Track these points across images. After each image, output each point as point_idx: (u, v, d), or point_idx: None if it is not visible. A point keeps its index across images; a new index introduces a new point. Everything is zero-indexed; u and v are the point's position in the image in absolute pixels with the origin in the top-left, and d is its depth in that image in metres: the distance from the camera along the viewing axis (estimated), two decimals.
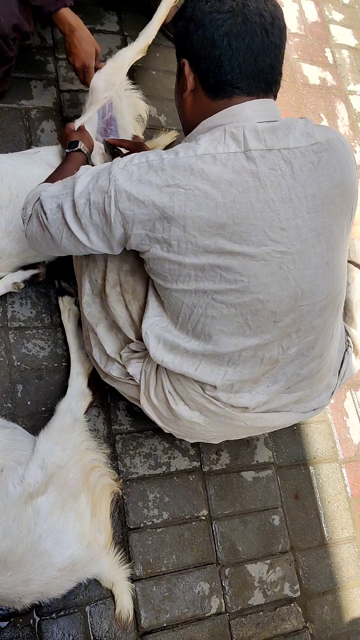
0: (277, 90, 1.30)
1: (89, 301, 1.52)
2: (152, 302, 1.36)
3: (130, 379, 1.50)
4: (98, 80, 1.82)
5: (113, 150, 1.83)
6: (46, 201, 1.31)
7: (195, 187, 1.16)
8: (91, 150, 1.69)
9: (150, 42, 1.93)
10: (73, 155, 1.61)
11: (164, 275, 1.26)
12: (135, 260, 1.38)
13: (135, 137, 1.93)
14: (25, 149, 1.83)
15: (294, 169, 1.19)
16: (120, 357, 1.49)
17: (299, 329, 1.33)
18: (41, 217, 1.32)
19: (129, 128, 1.93)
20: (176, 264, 1.22)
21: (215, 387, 1.37)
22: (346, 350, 1.67)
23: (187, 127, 1.36)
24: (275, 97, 1.30)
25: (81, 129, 1.75)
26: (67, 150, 1.64)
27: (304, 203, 1.22)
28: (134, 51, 1.90)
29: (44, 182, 1.44)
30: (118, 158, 1.24)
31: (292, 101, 2.55)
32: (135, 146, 1.78)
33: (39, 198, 1.33)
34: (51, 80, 2.04)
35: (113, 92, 1.86)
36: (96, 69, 1.85)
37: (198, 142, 1.19)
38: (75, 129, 1.74)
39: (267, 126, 1.21)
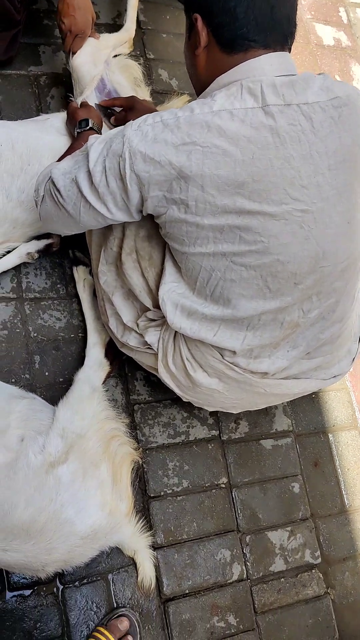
0: (292, 43, 1.25)
1: (104, 270, 1.50)
2: (168, 267, 1.33)
3: (148, 347, 1.48)
4: (81, 57, 1.76)
5: (107, 111, 1.78)
6: (58, 179, 1.28)
7: (212, 145, 1.12)
8: (101, 126, 1.64)
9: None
10: (84, 134, 1.56)
11: (181, 239, 1.23)
12: (151, 226, 1.35)
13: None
14: (35, 117, 1.79)
15: (314, 124, 1.15)
16: (138, 325, 1.47)
17: (320, 292, 1.30)
18: (55, 195, 1.29)
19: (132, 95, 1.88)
20: (194, 226, 1.19)
21: (234, 352, 1.34)
22: None
23: (201, 86, 1.30)
24: (290, 51, 1.25)
25: (85, 105, 1.69)
26: (77, 130, 1.59)
27: (325, 160, 1.18)
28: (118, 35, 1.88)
29: (55, 162, 1.41)
30: (131, 121, 1.21)
31: (306, 62, 2.48)
32: (128, 101, 1.71)
33: (50, 177, 1.30)
34: (60, 45, 1.99)
35: (102, 68, 1.81)
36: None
37: (214, 99, 1.15)
38: (79, 106, 1.69)
39: (285, 80, 1.16)
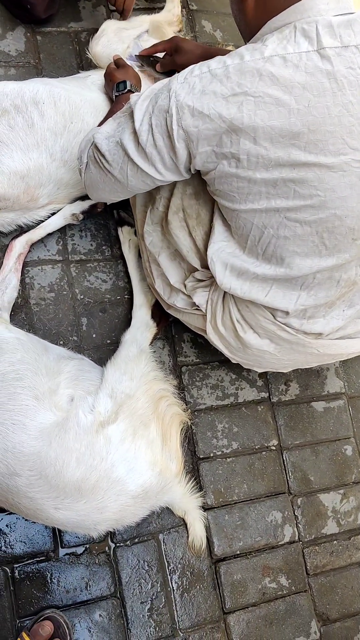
0: None
1: (149, 230, 1.46)
2: (217, 226, 1.28)
3: (196, 308, 1.44)
4: (100, 44, 1.69)
5: (149, 60, 1.71)
6: (102, 143, 1.23)
7: (265, 94, 1.05)
8: (140, 87, 1.59)
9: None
10: (123, 97, 1.49)
11: (231, 196, 1.18)
12: (199, 183, 1.30)
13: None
14: (76, 74, 1.75)
15: None
16: (185, 287, 1.44)
17: None
18: (100, 160, 1.25)
19: None
20: (245, 181, 1.13)
21: (287, 313, 1.30)
22: None
23: (250, 33, 1.21)
24: None
25: (122, 64, 1.62)
26: (115, 94, 1.53)
27: None
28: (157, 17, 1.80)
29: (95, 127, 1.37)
30: (177, 73, 1.15)
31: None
32: (171, 43, 1.63)
33: (93, 142, 1.26)
34: (98, 0, 1.94)
35: (130, 43, 1.73)
36: None
37: (265, 43, 1.07)
38: (116, 66, 1.62)
39: (343, 19, 1.07)
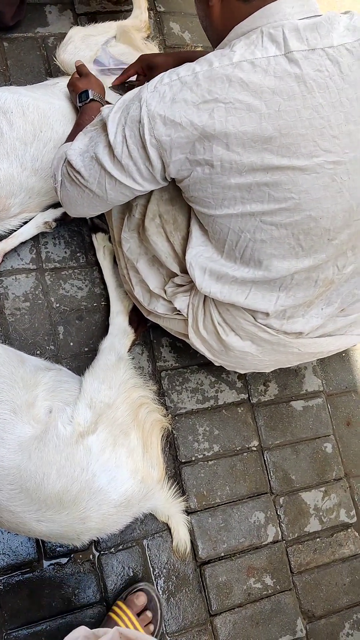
0: None
1: (126, 237, 1.45)
2: (195, 231, 1.29)
3: (177, 313, 1.44)
4: (67, 52, 1.67)
5: (124, 87, 1.70)
6: (76, 160, 1.22)
7: (235, 100, 1.05)
8: (104, 94, 1.57)
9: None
10: (87, 107, 1.48)
11: (206, 202, 1.18)
12: (175, 189, 1.30)
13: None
14: (45, 81, 1.73)
15: (342, 69, 1.07)
16: (165, 292, 1.43)
17: (355, 246, 1.25)
18: (75, 178, 1.25)
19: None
20: (220, 187, 1.13)
21: (267, 314, 1.30)
22: None
23: (217, 38, 1.22)
24: None
25: (85, 73, 1.59)
26: (79, 104, 1.52)
27: (356, 106, 1.10)
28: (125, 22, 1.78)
29: (64, 143, 1.35)
30: (146, 83, 1.15)
31: (326, 7, 2.36)
32: (140, 63, 1.61)
33: (65, 159, 1.25)
34: (66, 4, 1.91)
35: (97, 49, 1.71)
36: None
37: (233, 49, 1.07)
38: (78, 75, 1.60)
39: (309, 22, 1.08)
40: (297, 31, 1.06)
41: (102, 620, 1.50)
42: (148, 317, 1.57)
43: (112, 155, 1.17)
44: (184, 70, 1.10)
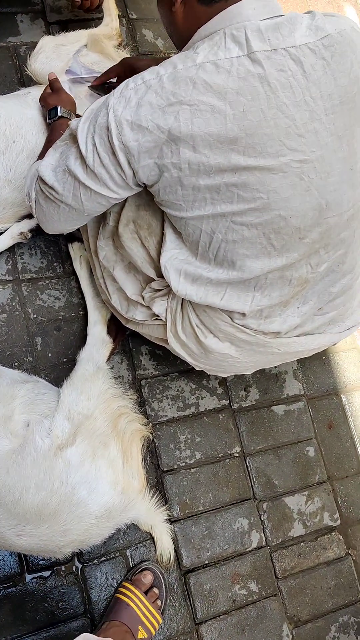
0: None
1: (102, 245, 1.45)
2: (169, 234, 1.29)
3: (156, 319, 1.44)
4: (38, 61, 1.66)
5: (104, 87, 1.69)
6: (48, 175, 1.23)
7: (200, 102, 1.06)
8: (74, 109, 1.56)
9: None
10: (56, 124, 1.48)
11: (177, 205, 1.18)
12: (147, 194, 1.30)
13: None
14: (17, 90, 1.72)
15: (305, 68, 1.08)
16: (143, 298, 1.43)
17: (327, 244, 1.25)
18: (49, 194, 1.25)
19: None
20: (189, 189, 1.14)
21: (243, 314, 1.30)
22: None
23: (182, 42, 1.23)
24: None
25: (56, 88, 1.58)
26: (48, 121, 1.52)
27: (321, 104, 1.11)
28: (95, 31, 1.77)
29: (36, 160, 1.35)
30: (113, 90, 1.15)
31: (296, 7, 2.36)
32: (123, 66, 1.62)
33: (38, 177, 1.25)
34: (37, 12, 1.91)
35: (69, 59, 1.70)
36: None
37: (196, 51, 1.08)
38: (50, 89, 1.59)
39: (271, 23, 1.09)
40: (259, 32, 1.07)
41: (86, 632, 1.49)
42: (127, 326, 1.56)
43: (84, 166, 1.17)
44: (149, 74, 1.11)
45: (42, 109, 1.61)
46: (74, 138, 1.19)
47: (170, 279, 1.29)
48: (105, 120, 1.11)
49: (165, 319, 1.41)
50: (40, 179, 1.25)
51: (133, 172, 1.15)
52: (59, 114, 1.50)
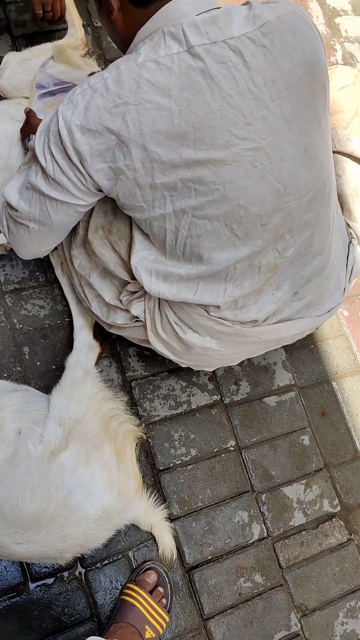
0: None
1: (75, 254, 1.47)
2: (137, 236, 1.30)
3: (136, 320, 1.45)
4: (3, 78, 1.68)
5: None
6: (14, 197, 1.25)
7: (145, 101, 1.08)
8: None
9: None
10: None
11: (139, 206, 1.20)
12: (112, 200, 1.32)
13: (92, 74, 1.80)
14: None
15: (246, 58, 1.10)
16: (121, 302, 1.44)
17: (291, 228, 1.27)
18: (16, 217, 1.27)
19: (83, 73, 1.78)
20: (147, 188, 1.16)
21: (218, 307, 1.32)
22: (350, 242, 1.59)
23: (125, 47, 1.25)
24: None
25: (28, 118, 1.58)
26: (24, 152, 1.55)
27: (265, 91, 1.12)
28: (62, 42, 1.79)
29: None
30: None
31: None
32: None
33: (4, 202, 1.28)
34: (2, 27, 1.93)
35: (35, 73, 1.71)
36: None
37: (138, 52, 1.11)
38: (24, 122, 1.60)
39: (207, 17, 1.11)
40: (195, 26, 1.09)
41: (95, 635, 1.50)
42: (110, 331, 1.57)
43: (46, 177, 1.19)
44: (95, 78, 1.13)
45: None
46: (34, 155, 1.21)
47: (143, 279, 1.30)
48: (56, 128, 1.14)
49: (145, 319, 1.43)
50: (8, 204, 1.27)
51: (88, 175, 1.16)
52: (30, 140, 1.52)
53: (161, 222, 1.20)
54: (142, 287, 1.37)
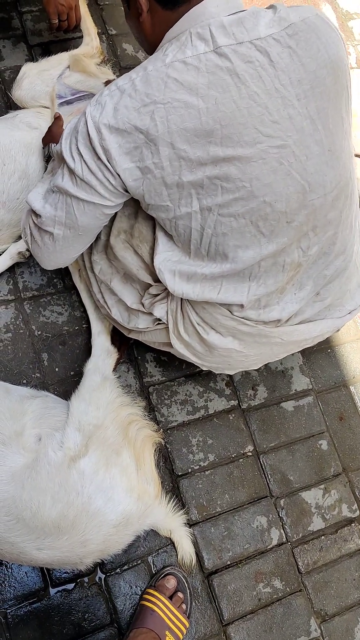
0: None
1: (96, 259, 1.48)
2: (160, 237, 1.31)
3: (159, 323, 1.46)
4: (22, 89, 1.69)
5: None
6: (39, 203, 1.27)
7: (173, 99, 1.10)
8: None
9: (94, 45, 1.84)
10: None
11: (165, 206, 1.21)
12: (134, 203, 1.33)
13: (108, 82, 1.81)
14: (4, 114, 1.75)
15: (272, 58, 1.12)
16: (143, 305, 1.45)
17: (315, 226, 1.27)
18: (41, 224, 1.28)
19: (99, 82, 1.79)
20: (174, 187, 1.17)
21: (242, 306, 1.32)
22: None
23: (152, 49, 1.27)
24: None
25: (51, 126, 1.59)
26: (44, 161, 1.57)
27: (292, 90, 1.14)
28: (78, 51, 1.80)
29: None
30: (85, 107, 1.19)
31: None
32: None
33: (29, 210, 1.29)
34: (19, 36, 1.95)
35: (54, 84, 1.73)
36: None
37: (165, 52, 1.13)
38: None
39: (234, 18, 1.13)
40: (223, 27, 1.11)
41: None
42: (129, 336, 1.58)
43: (74, 178, 1.20)
44: (122, 80, 1.15)
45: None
46: (60, 158, 1.22)
47: (166, 280, 1.31)
48: (85, 129, 1.15)
49: (167, 321, 1.43)
50: (32, 212, 1.29)
51: (116, 175, 1.18)
52: (51, 149, 1.53)
53: (187, 221, 1.21)
54: (165, 290, 1.38)
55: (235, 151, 1.13)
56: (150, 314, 1.45)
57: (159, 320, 1.44)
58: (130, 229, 1.36)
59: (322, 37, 1.17)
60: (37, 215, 1.28)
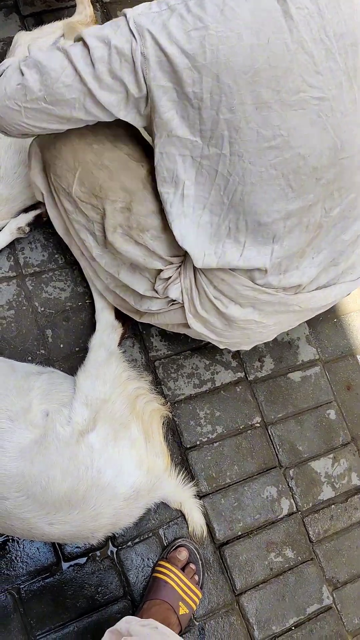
0: None
1: (99, 254, 1.43)
2: (171, 209, 1.24)
3: (173, 303, 1.43)
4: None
5: None
6: (34, 48, 1.15)
7: (227, 29, 1.03)
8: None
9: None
10: None
11: (192, 141, 1.14)
12: (127, 196, 1.29)
13: None
14: None
15: (320, 7, 1.08)
16: (157, 292, 1.42)
17: (341, 187, 1.24)
18: (23, 62, 1.14)
19: None
20: (208, 122, 1.10)
21: (265, 270, 1.29)
22: None
23: None
24: None
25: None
26: None
27: (335, 43, 1.10)
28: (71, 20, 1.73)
29: None
30: (125, 10, 1.09)
31: None
32: None
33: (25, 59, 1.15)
34: (10, 7, 1.90)
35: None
36: None
37: None
38: None
39: None
40: None
41: (128, 614, 1.51)
42: (141, 320, 1.54)
43: (88, 58, 1.09)
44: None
45: None
46: (83, 41, 1.10)
47: (191, 244, 1.26)
48: (127, 29, 1.05)
49: (182, 300, 1.40)
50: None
51: (145, 88, 1.09)
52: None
53: (214, 163, 1.16)
54: (177, 269, 1.35)
55: (279, 95, 1.08)
56: (165, 297, 1.42)
57: (173, 300, 1.42)
58: (127, 222, 1.32)
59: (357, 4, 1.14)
60: (26, 58, 1.15)
